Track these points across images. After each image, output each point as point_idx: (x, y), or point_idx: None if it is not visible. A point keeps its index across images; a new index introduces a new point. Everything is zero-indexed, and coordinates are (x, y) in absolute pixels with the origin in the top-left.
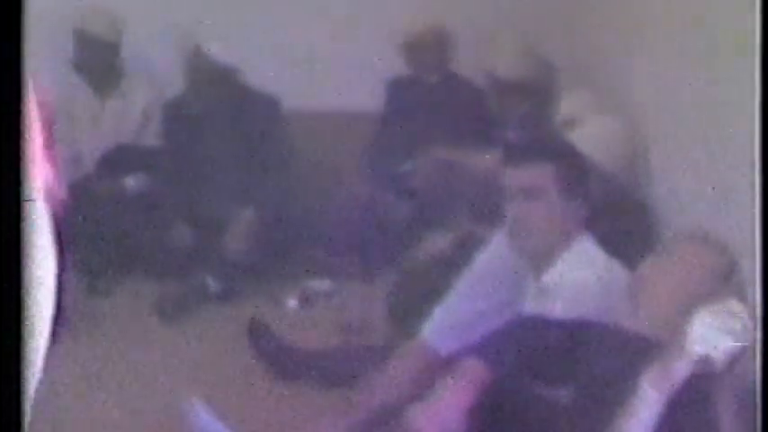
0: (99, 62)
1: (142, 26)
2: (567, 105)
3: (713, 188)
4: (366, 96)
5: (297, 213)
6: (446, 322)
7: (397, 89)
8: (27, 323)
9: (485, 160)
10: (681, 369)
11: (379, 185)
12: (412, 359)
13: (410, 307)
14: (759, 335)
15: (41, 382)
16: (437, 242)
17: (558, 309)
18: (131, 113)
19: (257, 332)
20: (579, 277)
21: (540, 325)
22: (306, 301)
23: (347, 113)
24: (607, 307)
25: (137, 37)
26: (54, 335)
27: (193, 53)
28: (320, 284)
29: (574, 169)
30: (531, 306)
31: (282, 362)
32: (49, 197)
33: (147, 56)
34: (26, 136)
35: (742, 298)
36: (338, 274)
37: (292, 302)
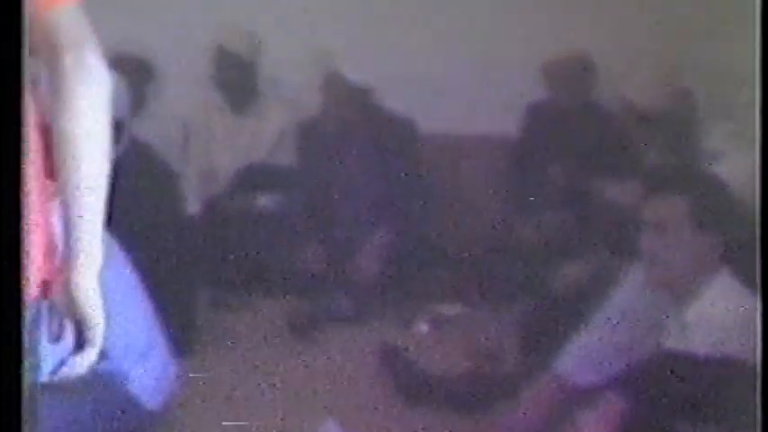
0: (237, 80)
1: (280, 47)
2: (711, 136)
3: None
4: (503, 121)
5: (429, 236)
6: (582, 354)
7: (535, 114)
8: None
9: (622, 190)
10: None
11: (513, 211)
12: (546, 390)
13: (544, 336)
14: (759, 334)
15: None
16: (573, 272)
17: (701, 344)
18: (266, 132)
19: (388, 355)
20: (722, 313)
21: (682, 361)
22: (436, 325)
23: (483, 137)
24: (750, 343)
25: (274, 57)
26: (186, 349)
27: (330, 75)
28: (451, 309)
29: (712, 202)
30: (672, 341)
31: (413, 386)
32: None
33: (284, 76)
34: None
35: None
36: (469, 300)
37: (423, 326)
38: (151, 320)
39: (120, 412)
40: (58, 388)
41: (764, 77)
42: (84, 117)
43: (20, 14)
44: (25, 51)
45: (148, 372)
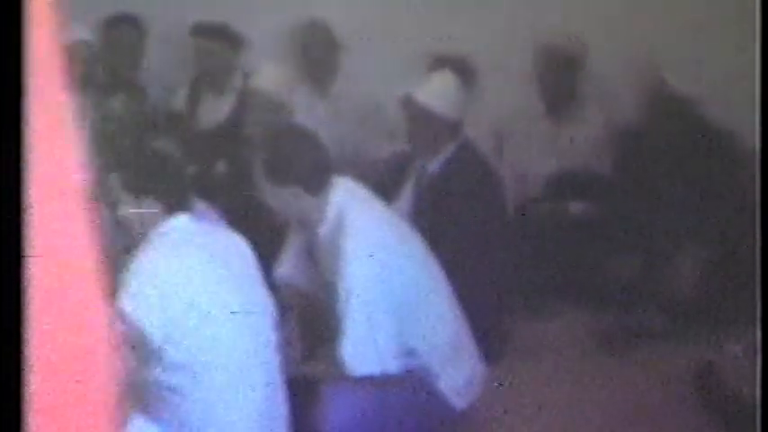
0: (558, 83)
1: (603, 51)
2: None
3: None
4: None
5: (746, 254)
6: None
7: None
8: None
9: None
10: None
11: None
12: None
13: None
14: (759, 335)
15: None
16: None
17: None
18: (583, 138)
19: (703, 378)
20: None
21: None
22: (753, 348)
23: None
24: None
25: (597, 62)
26: (493, 353)
27: (655, 84)
28: None
29: None
30: None
31: (729, 412)
32: None
33: (606, 82)
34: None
35: None
36: None
37: (737, 348)
38: (459, 321)
39: (427, 409)
40: (368, 382)
41: (764, 77)
42: None
43: (20, 15)
44: (25, 51)
45: (458, 372)
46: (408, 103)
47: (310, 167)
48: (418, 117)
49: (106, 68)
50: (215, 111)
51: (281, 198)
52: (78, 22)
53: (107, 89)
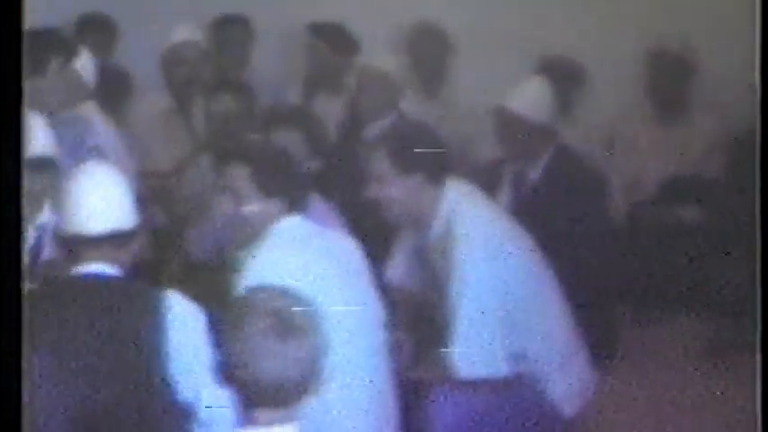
0: (669, 88)
1: (715, 56)
2: None
3: None
4: None
5: None
6: None
7: None
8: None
9: None
10: None
11: None
12: None
13: None
14: (759, 335)
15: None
16: None
17: None
18: (695, 143)
19: None
20: None
21: None
22: None
23: None
24: None
25: (709, 66)
26: (603, 360)
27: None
28: None
29: None
30: None
31: None
32: None
33: (719, 87)
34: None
35: None
36: None
37: None
38: (569, 327)
39: (535, 415)
40: (477, 385)
41: (764, 77)
42: None
43: (20, 16)
44: (25, 52)
45: (567, 378)
46: (501, 111)
47: (431, 158)
48: (511, 124)
49: (214, 68)
50: (329, 109)
51: (402, 188)
52: (185, 23)
53: (215, 88)
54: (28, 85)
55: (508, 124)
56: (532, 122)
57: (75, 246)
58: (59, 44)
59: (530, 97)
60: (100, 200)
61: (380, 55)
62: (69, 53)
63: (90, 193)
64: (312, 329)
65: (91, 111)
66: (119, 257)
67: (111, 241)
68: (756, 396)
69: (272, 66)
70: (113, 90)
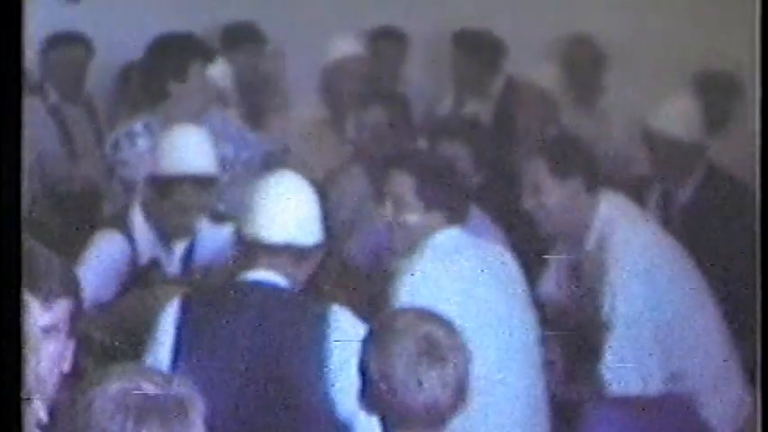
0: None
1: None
2: None
3: None
4: None
5: None
6: None
7: None
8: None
9: None
10: None
11: None
12: None
13: None
14: (759, 335)
15: None
16: None
17: None
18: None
19: None
20: None
21: None
22: None
23: None
24: None
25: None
26: (759, 383)
27: None
28: None
29: None
30: None
31: None
32: None
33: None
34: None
35: None
36: None
37: None
38: (726, 347)
39: None
40: (630, 403)
41: (764, 77)
42: None
43: (20, 16)
44: (25, 52)
45: (723, 399)
46: (647, 130)
47: (587, 168)
48: (658, 143)
49: (372, 80)
50: (479, 119)
51: (559, 196)
52: (345, 36)
53: (370, 98)
54: (171, 89)
55: (656, 142)
56: (681, 141)
57: (253, 250)
58: (197, 50)
59: (679, 115)
60: (292, 210)
61: (536, 68)
62: (206, 59)
63: (283, 202)
64: (462, 353)
65: (234, 120)
66: (292, 271)
67: (290, 253)
68: (756, 396)
69: (421, 75)
70: (259, 100)
